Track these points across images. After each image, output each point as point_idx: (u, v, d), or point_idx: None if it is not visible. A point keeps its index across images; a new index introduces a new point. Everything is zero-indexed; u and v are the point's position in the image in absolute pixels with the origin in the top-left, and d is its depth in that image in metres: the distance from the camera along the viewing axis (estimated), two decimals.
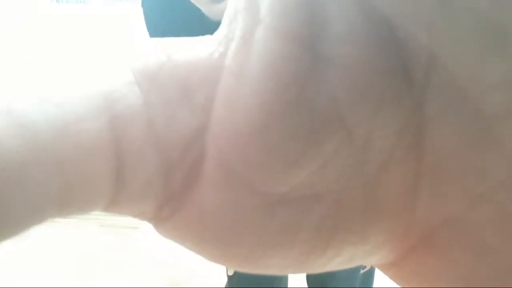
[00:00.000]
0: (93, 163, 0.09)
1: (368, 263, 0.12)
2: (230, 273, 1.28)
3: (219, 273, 1.60)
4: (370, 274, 1.31)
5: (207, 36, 0.11)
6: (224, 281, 1.34)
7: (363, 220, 0.11)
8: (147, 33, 1.13)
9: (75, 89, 0.10)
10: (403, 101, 0.10)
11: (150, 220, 0.12)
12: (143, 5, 1.16)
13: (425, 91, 0.10)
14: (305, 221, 0.11)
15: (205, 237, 0.11)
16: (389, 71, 0.10)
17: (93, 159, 0.09)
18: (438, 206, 0.10)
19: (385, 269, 0.12)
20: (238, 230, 0.11)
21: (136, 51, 0.11)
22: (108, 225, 4.22)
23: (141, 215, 0.11)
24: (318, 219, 0.11)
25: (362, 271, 1.27)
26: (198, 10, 0.97)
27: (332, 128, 0.10)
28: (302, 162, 0.10)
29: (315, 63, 0.10)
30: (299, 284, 1.45)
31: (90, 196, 0.10)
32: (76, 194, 0.09)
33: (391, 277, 0.12)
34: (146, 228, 4.12)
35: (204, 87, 0.10)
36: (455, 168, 0.10)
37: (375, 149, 0.10)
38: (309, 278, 1.31)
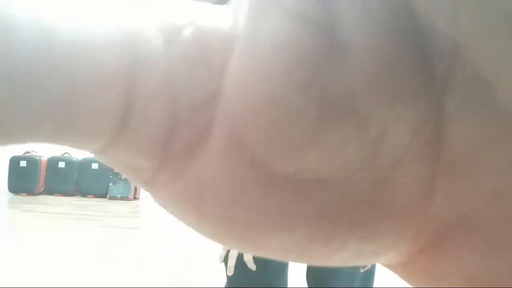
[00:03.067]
0: (104, 93, 0.09)
1: (377, 262, 0.12)
2: (230, 273, 1.28)
3: (219, 273, 1.60)
4: (370, 274, 1.31)
5: (226, 6, 0.11)
6: (224, 281, 1.34)
7: (371, 215, 0.10)
8: None
9: (106, 19, 0.10)
10: (422, 96, 0.10)
11: (145, 184, 0.11)
12: None
13: (446, 85, 0.09)
14: (306, 206, 0.10)
15: (202, 207, 0.11)
16: (408, 63, 0.09)
17: (105, 90, 0.09)
18: (453, 205, 0.10)
19: (394, 268, 0.12)
20: (236, 205, 0.10)
21: (165, 7, 0.11)
22: (108, 225, 4.22)
23: (134, 173, 0.11)
24: (320, 205, 0.10)
25: (362, 271, 1.28)
26: None
27: (343, 116, 0.10)
28: (307, 146, 0.10)
29: (330, 48, 0.09)
30: (299, 284, 1.45)
31: (92, 126, 0.10)
32: (79, 118, 0.09)
33: (400, 276, 0.12)
34: (146, 228, 4.12)
35: (221, 53, 0.10)
36: (473, 165, 0.10)
37: (388, 144, 0.10)
38: (309, 277, 1.31)
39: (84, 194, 5.69)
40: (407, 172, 0.10)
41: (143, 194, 5.72)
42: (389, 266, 0.12)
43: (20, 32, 0.08)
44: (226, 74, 0.10)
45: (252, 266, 1.24)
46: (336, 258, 0.11)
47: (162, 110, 0.10)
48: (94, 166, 5.75)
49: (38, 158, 5.73)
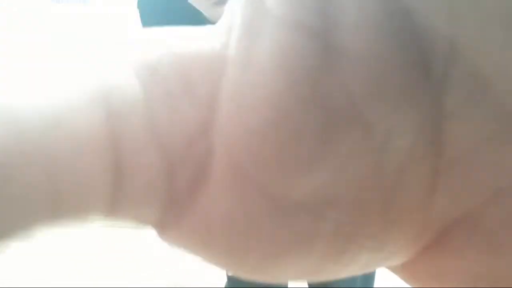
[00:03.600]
0: (88, 161, 0.09)
1: (381, 267, 0.12)
2: (230, 273, 1.28)
3: (219, 273, 1.60)
4: (371, 274, 1.30)
5: (208, 26, 0.11)
6: (224, 281, 1.34)
7: (382, 224, 0.10)
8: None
9: (69, 82, 0.09)
10: (421, 96, 0.09)
11: (153, 226, 0.11)
12: (139, 6, 1.16)
13: (444, 84, 0.09)
14: (321, 229, 0.10)
15: (213, 244, 0.10)
16: (407, 63, 0.09)
17: (88, 157, 0.09)
18: (454, 204, 0.10)
19: (396, 269, 0.12)
20: (248, 237, 0.10)
21: (134, 43, 0.10)
22: (108, 225, 4.21)
23: (144, 222, 0.11)
24: (335, 226, 0.10)
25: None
26: (196, 13, 0.97)
27: (348, 125, 0.09)
28: (316, 162, 0.09)
29: (328, 55, 0.09)
30: (300, 284, 1.44)
31: (86, 200, 0.09)
32: (70, 197, 0.09)
33: (400, 277, 0.12)
34: (146, 228, 4.12)
35: (207, 79, 0.10)
36: (474, 163, 0.10)
37: (394, 149, 0.10)
38: None
39: None
40: (412, 174, 0.10)
41: None
42: (391, 268, 0.12)
43: None
44: (219, 99, 0.10)
45: None
46: (346, 272, 0.11)
47: (153, 157, 0.10)
48: None
49: None
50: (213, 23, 0.11)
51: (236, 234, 0.10)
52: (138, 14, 1.16)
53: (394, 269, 0.12)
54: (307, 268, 0.11)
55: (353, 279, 1.26)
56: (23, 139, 0.08)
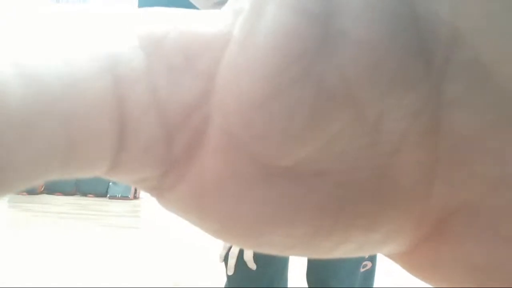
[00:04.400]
0: (97, 121, 0.09)
1: (379, 252, 0.12)
2: (230, 273, 1.28)
3: (219, 273, 1.60)
4: (370, 274, 1.31)
5: (215, 10, 0.11)
6: (224, 281, 1.34)
7: (373, 204, 0.10)
8: None
9: (82, 48, 0.10)
10: (420, 82, 0.09)
11: (152, 191, 0.11)
12: (139, 6, 1.16)
13: (445, 71, 0.09)
14: (307, 199, 0.10)
15: (206, 208, 0.11)
16: (405, 48, 0.09)
17: (97, 117, 0.09)
18: (454, 192, 0.10)
19: (396, 258, 0.12)
20: (238, 202, 0.11)
21: (143, 17, 0.11)
22: (108, 224, 4.22)
23: (143, 183, 0.11)
24: (321, 198, 0.10)
25: (362, 270, 1.28)
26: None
27: (340, 106, 0.10)
28: (305, 137, 0.10)
29: (326, 38, 0.09)
30: (299, 284, 1.45)
31: (93, 155, 0.10)
32: (80, 150, 0.09)
33: (402, 266, 0.12)
34: (146, 227, 4.12)
35: (208, 54, 0.10)
36: (474, 152, 0.10)
37: (386, 132, 0.10)
38: (310, 277, 1.31)
39: (84, 193, 5.69)
40: (406, 159, 0.10)
41: (144, 193, 5.70)
42: (390, 257, 0.12)
43: (7, 83, 0.08)
44: (219, 71, 0.10)
45: (252, 265, 1.24)
46: (340, 251, 0.11)
47: (154, 122, 0.10)
48: None
49: None
50: None
51: (227, 198, 0.11)
52: None
53: (394, 258, 0.12)
54: (296, 239, 0.11)
55: (353, 279, 1.26)
56: (43, 97, 0.09)
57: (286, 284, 1.31)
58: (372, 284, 1.32)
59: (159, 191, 0.11)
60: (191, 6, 0.96)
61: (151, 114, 0.10)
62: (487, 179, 0.10)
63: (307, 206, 0.10)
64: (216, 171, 0.11)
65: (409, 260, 0.12)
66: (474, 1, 0.09)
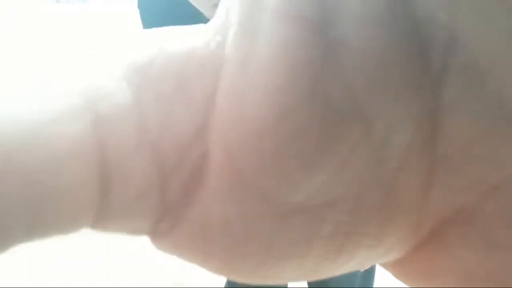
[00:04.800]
0: (71, 173, 0.08)
1: (378, 263, 0.12)
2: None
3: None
4: (370, 274, 1.30)
5: (202, 25, 0.10)
6: (224, 281, 1.34)
7: (380, 222, 0.10)
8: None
9: (51, 86, 0.08)
10: (421, 88, 0.09)
11: (148, 235, 0.11)
12: (139, 6, 1.16)
13: (443, 76, 0.09)
14: (320, 230, 0.10)
15: (210, 251, 0.10)
16: (408, 55, 0.09)
17: (71, 168, 0.08)
18: (450, 198, 0.10)
19: (390, 266, 0.12)
20: (247, 243, 0.10)
21: (124, 45, 0.10)
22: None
23: (136, 232, 0.10)
24: (334, 226, 0.10)
25: (362, 270, 1.27)
26: (197, 14, 0.97)
27: (349, 120, 0.09)
28: (318, 161, 0.09)
29: (329, 48, 0.09)
30: (299, 284, 1.44)
31: (68, 214, 0.08)
32: (50, 211, 0.08)
33: (395, 276, 0.12)
34: None
35: (202, 79, 0.09)
36: (471, 157, 0.09)
37: (394, 144, 0.09)
38: None
39: None
40: (410, 170, 0.10)
41: None
42: (384, 266, 0.12)
43: None
44: (216, 100, 0.09)
45: None
46: (344, 268, 0.11)
47: (144, 165, 0.09)
48: None
49: None
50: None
51: (234, 240, 0.10)
52: (139, 14, 1.16)
53: (386, 266, 0.12)
54: (306, 269, 0.11)
55: (352, 279, 1.26)
56: (6, 153, 0.07)
57: (286, 284, 1.31)
58: (372, 284, 1.32)
59: (154, 236, 0.10)
60: (190, 6, 0.96)
61: (140, 157, 0.09)
62: (482, 185, 0.09)
63: (318, 238, 0.10)
64: (220, 212, 0.10)
65: (401, 269, 0.11)
66: (472, 6, 0.09)
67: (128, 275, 2.72)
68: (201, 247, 0.10)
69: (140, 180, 0.09)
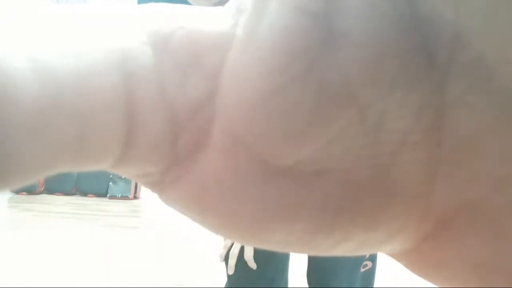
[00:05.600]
0: (107, 116, 0.10)
1: (382, 251, 0.12)
2: (231, 272, 1.28)
3: (219, 274, 1.60)
4: (370, 274, 1.31)
5: (220, 8, 0.11)
6: (224, 281, 1.34)
7: (374, 203, 0.10)
8: None
9: (93, 43, 0.10)
10: (422, 82, 0.10)
11: (153, 186, 0.12)
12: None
13: (448, 72, 0.09)
14: (308, 197, 0.11)
15: (207, 205, 0.11)
16: (407, 48, 0.09)
17: (107, 113, 0.10)
18: (457, 191, 0.10)
19: (400, 257, 0.12)
20: (239, 200, 0.11)
21: (151, 14, 0.11)
22: (108, 224, 4.22)
23: (145, 178, 0.11)
24: (322, 197, 0.11)
25: (362, 270, 1.28)
26: None
27: (341, 105, 0.10)
28: (305, 136, 0.10)
29: (328, 37, 0.10)
30: (299, 284, 1.45)
31: (100, 150, 0.10)
32: (88, 145, 0.10)
33: (405, 266, 0.12)
34: (146, 227, 4.12)
35: (214, 54, 0.10)
36: (477, 151, 0.10)
37: (388, 131, 0.10)
38: (310, 278, 1.31)
39: (84, 194, 5.69)
40: (408, 158, 0.10)
41: (144, 193, 5.73)
42: (394, 256, 0.12)
43: (22, 77, 0.09)
44: (222, 73, 0.10)
45: (252, 265, 1.24)
46: (341, 249, 0.11)
47: (162, 119, 0.10)
48: None
49: None
50: None
51: (227, 196, 0.11)
52: None
53: (397, 257, 0.12)
54: (296, 237, 0.11)
55: (353, 279, 1.26)
56: (56, 91, 0.09)
57: (287, 284, 1.31)
58: (372, 284, 1.32)
59: (160, 186, 0.12)
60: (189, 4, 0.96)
61: (159, 112, 0.10)
62: (490, 178, 0.10)
63: (307, 204, 0.11)
64: (217, 170, 0.11)
65: (412, 259, 0.12)
66: (478, 1, 0.09)
67: (128, 275, 2.73)
68: (199, 200, 0.11)
69: (157, 130, 0.10)
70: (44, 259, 2.91)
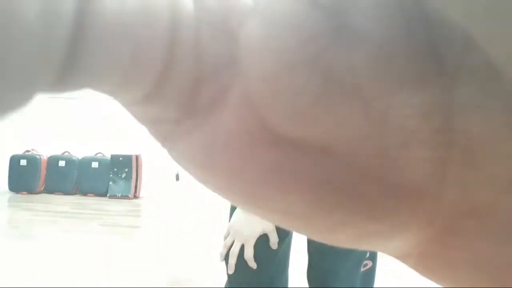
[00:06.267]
0: (157, 45, 0.10)
1: (387, 249, 0.12)
2: (231, 272, 1.28)
3: (219, 273, 1.60)
4: (370, 274, 1.31)
5: None
6: (224, 281, 1.34)
7: (376, 192, 0.11)
8: None
9: None
10: (431, 83, 0.10)
11: (165, 136, 0.12)
12: None
13: (458, 75, 0.10)
14: (311, 171, 0.11)
15: (214, 161, 0.12)
16: (416, 50, 0.10)
17: (158, 42, 0.10)
18: (466, 193, 0.10)
19: (407, 258, 0.12)
20: (244, 159, 0.11)
21: None
22: (108, 224, 4.22)
23: (159, 126, 0.12)
24: (325, 173, 0.11)
25: (362, 270, 1.28)
26: None
27: (347, 94, 0.10)
28: (311, 116, 0.10)
29: (339, 31, 0.10)
30: (299, 284, 1.45)
31: (143, 76, 0.11)
32: (137, 68, 0.10)
33: (412, 267, 0.12)
34: (146, 227, 4.12)
35: (238, 21, 0.11)
36: (487, 154, 0.10)
37: (394, 126, 0.10)
38: (310, 277, 1.31)
39: (84, 193, 5.70)
40: (416, 155, 0.10)
41: (144, 193, 5.73)
42: (402, 257, 0.12)
43: None
44: (242, 40, 0.11)
45: (253, 264, 1.24)
46: (340, 234, 0.11)
47: (193, 67, 0.11)
48: (94, 164, 5.74)
49: (38, 157, 5.72)
50: None
51: (234, 155, 0.11)
52: None
53: (404, 259, 0.12)
54: (296, 210, 0.11)
55: (353, 279, 1.26)
56: (123, 13, 0.10)
57: (287, 284, 1.31)
58: (372, 283, 1.32)
59: (171, 137, 0.12)
60: None
61: (191, 59, 0.11)
62: (499, 181, 0.10)
63: (310, 177, 0.11)
64: (230, 129, 0.11)
65: (419, 260, 0.12)
66: (486, 5, 0.09)
67: (127, 274, 2.73)
68: (207, 156, 0.12)
69: (187, 75, 0.11)
70: (44, 259, 2.91)
